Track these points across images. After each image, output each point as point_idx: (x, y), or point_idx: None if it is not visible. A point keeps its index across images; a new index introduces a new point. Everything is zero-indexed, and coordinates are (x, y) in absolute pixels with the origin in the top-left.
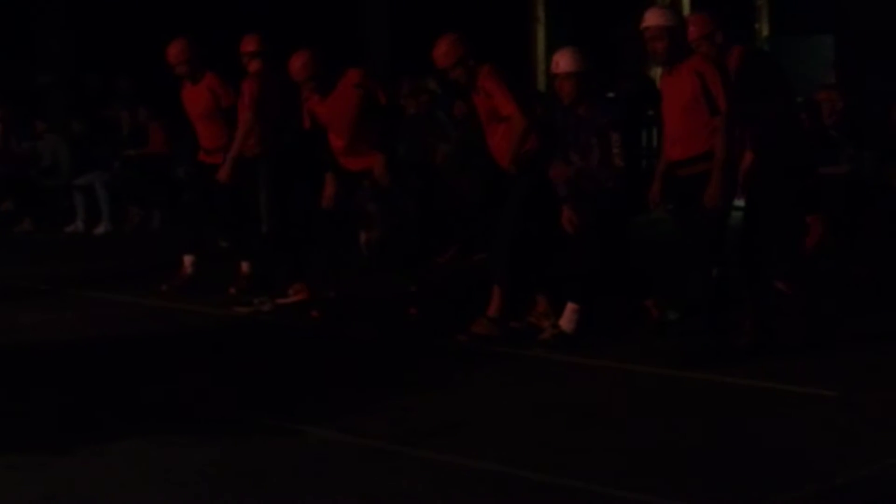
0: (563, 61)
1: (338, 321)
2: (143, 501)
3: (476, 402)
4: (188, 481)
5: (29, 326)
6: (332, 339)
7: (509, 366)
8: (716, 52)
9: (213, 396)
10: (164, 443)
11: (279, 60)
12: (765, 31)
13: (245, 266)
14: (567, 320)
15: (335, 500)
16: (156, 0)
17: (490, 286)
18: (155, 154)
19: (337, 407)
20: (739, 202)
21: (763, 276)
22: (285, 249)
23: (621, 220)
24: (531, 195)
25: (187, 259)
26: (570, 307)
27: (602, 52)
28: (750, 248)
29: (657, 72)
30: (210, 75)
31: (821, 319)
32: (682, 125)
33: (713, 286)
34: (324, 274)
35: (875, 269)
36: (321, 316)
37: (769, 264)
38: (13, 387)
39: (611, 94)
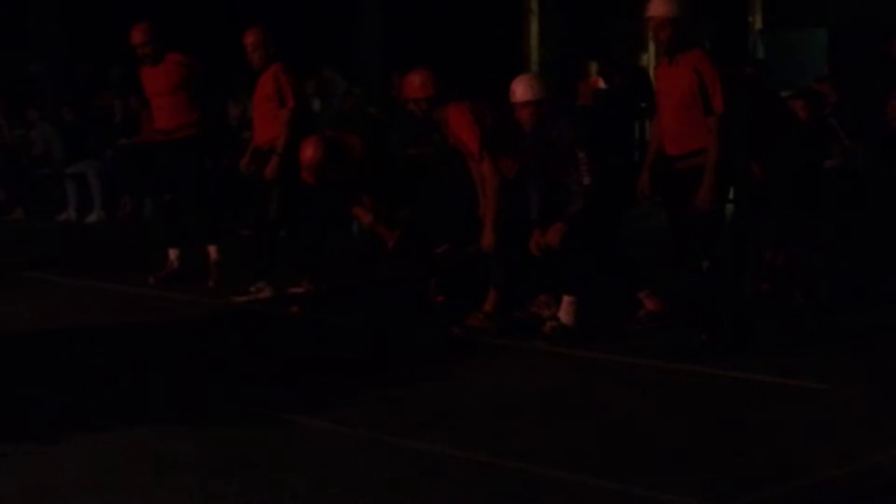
0: (520, 91)
1: (319, 313)
2: (132, 490)
3: (469, 394)
4: (177, 470)
5: (20, 315)
6: (326, 328)
7: (503, 358)
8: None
9: (205, 385)
10: (153, 432)
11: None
12: (758, 24)
13: (213, 252)
14: (565, 312)
15: (326, 490)
16: None
17: (486, 279)
18: (147, 142)
19: (329, 396)
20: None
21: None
22: (273, 240)
23: (614, 212)
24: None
25: (172, 252)
26: (567, 300)
27: (595, 43)
28: (742, 245)
29: (650, 63)
30: (173, 54)
31: (817, 315)
32: (678, 121)
33: (704, 280)
34: (309, 266)
35: (813, 299)
36: (301, 311)
37: (756, 263)
38: (2, 376)
39: (604, 86)
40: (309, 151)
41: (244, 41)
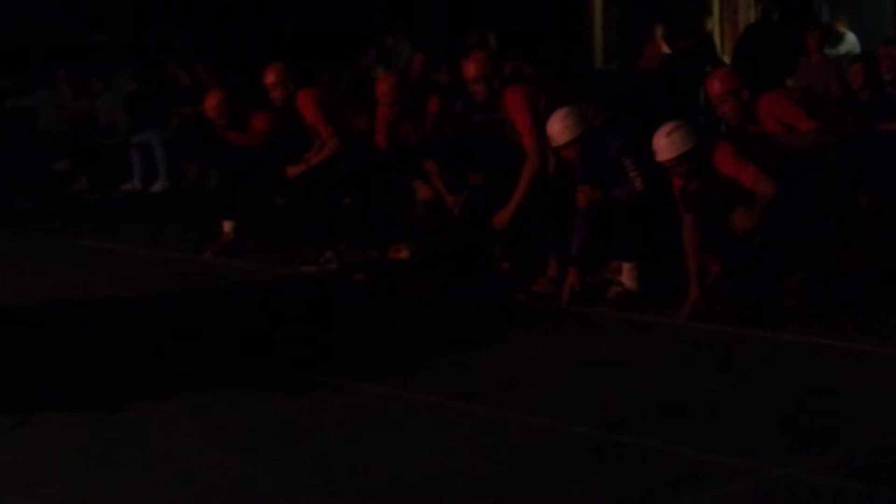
0: (556, 132)
1: (384, 281)
2: (196, 455)
3: (533, 359)
4: (241, 436)
5: (85, 284)
6: (390, 296)
7: (568, 324)
8: (741, 108)
9: (271, 353)
10: (219, 399)
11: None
12: None
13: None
14: (628, 278)
15: (388, 455)
16: None
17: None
18: None
19: (394, 364)
20: None
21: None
22: (320, 211)
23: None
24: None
25: (227, 224)
26: (627, 266)
27: (659, 7)
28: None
29: (714, 27)
30: (256, 115)
31: (878, 279)
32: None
33: (760, 247)
34: (372, 234)
35: (867, 259)
36: (366, 278)
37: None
38: (69, 344)
39: (667, 50)
40: (384, 85)
41: (264, 80)
